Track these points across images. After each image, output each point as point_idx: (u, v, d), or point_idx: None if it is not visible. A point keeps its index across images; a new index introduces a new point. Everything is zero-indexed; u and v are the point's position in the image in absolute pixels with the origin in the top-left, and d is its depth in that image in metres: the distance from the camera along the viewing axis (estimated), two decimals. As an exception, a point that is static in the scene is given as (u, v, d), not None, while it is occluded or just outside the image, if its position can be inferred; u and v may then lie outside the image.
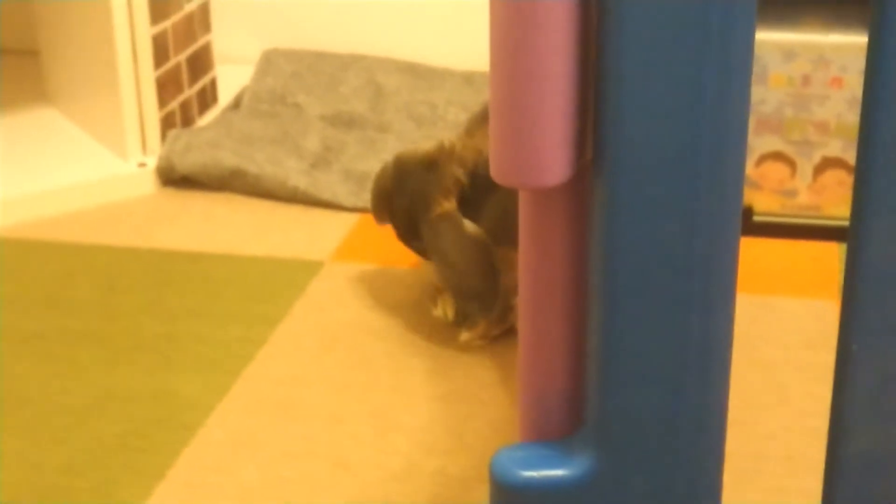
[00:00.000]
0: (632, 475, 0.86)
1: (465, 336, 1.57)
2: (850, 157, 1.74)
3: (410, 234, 1.59)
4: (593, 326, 0.84)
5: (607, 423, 0.85)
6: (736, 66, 0.77)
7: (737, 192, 0.81)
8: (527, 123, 0.77)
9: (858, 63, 1.69)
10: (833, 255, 1.74)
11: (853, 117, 1.72)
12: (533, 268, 0.86)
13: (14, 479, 1.35)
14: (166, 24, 2.01)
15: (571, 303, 0.86)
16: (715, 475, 0.88)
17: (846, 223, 1.75)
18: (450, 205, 1.51)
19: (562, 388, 0.88)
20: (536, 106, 0.77)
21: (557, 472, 0.86)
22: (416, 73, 2.23)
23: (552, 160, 0.78)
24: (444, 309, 1.59)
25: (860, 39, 1.70)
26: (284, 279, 1.72)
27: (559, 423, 0.89)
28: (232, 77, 2.27)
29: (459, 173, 1.51)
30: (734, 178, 0.80)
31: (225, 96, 2.23)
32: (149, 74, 1.98)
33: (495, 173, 0.79)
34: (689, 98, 0.77)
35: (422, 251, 1.60)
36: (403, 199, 1.56)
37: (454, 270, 1.51)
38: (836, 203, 1.76)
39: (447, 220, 1.51)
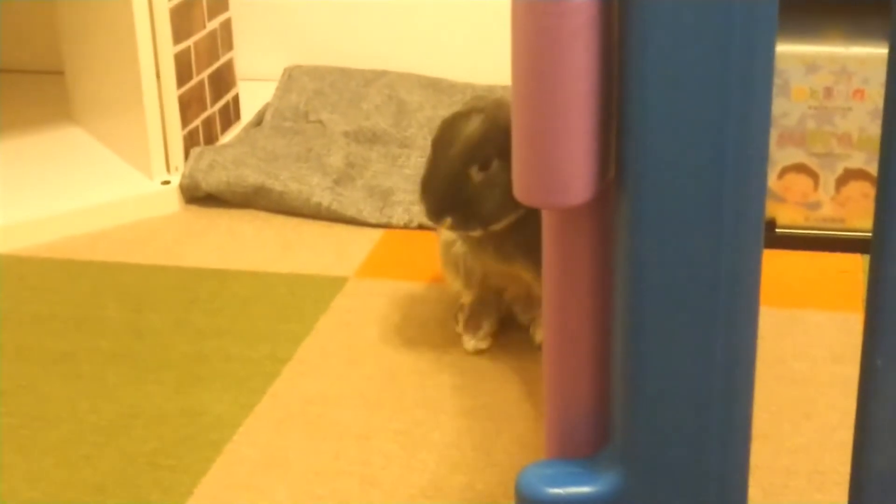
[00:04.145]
0: (658, 491, 0.86)
1: (470, 343, 1.58)
2: (873, 168, 1.73)
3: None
4: (619, 343, 0.84)
5: (634, 439, 0.85)
6: (758, 82, 0.77)
7: (760, 207, 0.81)
8: (550, 144, 0.78)
9: (881, 75, 1.69)
10: (857, 267, 1.74)
11: (876, 129, 1.72)
12: (557, 286, 0.86)
13: (45, 498, 1.36)
14: (189, 42, 2.02)
15: (596, 321, 0.86)
16: (741, 489, 0.89)
17: (870, 235, 1.75)
18: None
19: (587, 406, 0.88)
20: (560, 126, 0.77)
21: (584, 490, 0.86)
22: (439, 89, 2.24)
23: (576, 180, 0.79)
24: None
25: (882, 51, 1.70)
26: (310, 296, 1.73)
27: (585, 441, 0.89)
28: (253, 94, 2.28)
29: None
30: (757, 192, 0.80)
31: (247, 114, 2.24)
32: (172, 93, 1.99)
33: (519, 193, 0.80)
34: (713, 115, 0.77)
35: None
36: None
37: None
38: (859, 215, 1.76)
39: None
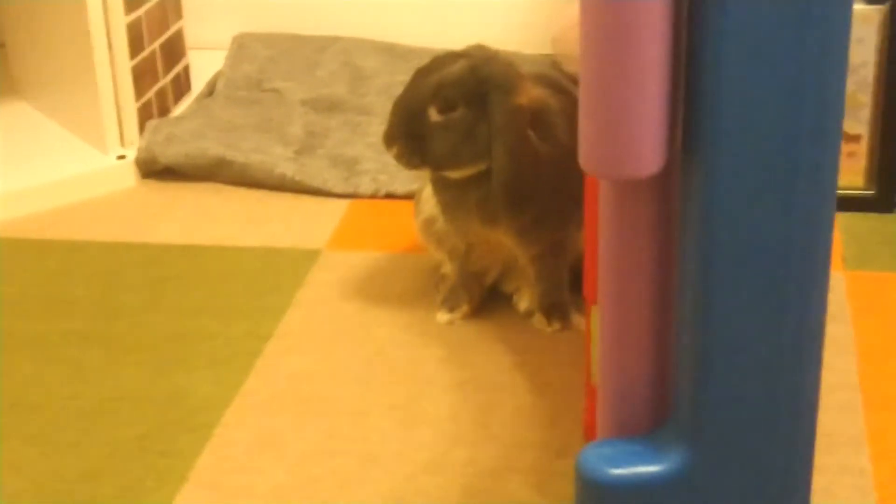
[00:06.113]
0: (726, 466, 0.84)
1: (444, 318, 1.56)
2: (850, 126, 1.73)
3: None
4: (686, 316, 0.81)
5: (702, 414, 0.83)
6: (835, 49, 0.75)
7: (833, 178, 0.79)
8: (621, 114, 0.75)
9: (857, 31, 1.68)
10: (836, 225, 1.73)
11: (852, 86, 1.71)
12: (616, 258, 0.83)
13: (33, 488, 1.31)
14: (140, 12, 1.96)
15: (656, 295, 0.84)
16: (807, 460, 0.87)
17: (846, 193, 1.73)
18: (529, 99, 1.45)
19: (646, 382, 0.86)
20: (631, 96, 0.75)
21: (650, 469, 0.84)
22: (395, 54, 2.19)
23: (647, 151, 0.76)
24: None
25: (859, 6, 1.69)
26: (283, 269, 1.69)
27: (643, 418, 0.87)
28: (202, 64, 2.23)
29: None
30: (831, 161, 0.78)
31: (197, 84, 2.18)
32: (125, 64, 1.93)
33: (587, 166, 0.77)
34: (789, 84, 0.75)
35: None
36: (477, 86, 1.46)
37: (500, 169, 1.45)
38: (835, 172, 1.75)
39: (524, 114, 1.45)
